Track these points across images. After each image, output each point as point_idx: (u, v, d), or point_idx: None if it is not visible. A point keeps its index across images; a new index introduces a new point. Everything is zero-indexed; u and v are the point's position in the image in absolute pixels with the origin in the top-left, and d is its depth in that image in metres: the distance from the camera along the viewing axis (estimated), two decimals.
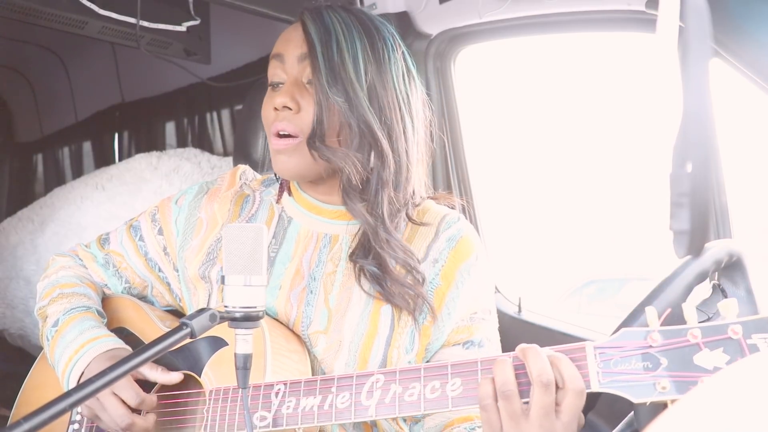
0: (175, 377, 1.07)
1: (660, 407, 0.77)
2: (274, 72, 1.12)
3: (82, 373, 1.07)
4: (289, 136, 1.08)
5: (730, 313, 0.76)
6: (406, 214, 1.15)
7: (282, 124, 1.08)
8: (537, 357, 0.81)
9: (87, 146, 3.27)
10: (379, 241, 1.08)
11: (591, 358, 0.81)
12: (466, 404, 0.85)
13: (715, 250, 0.87)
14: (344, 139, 1.07)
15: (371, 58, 1.09)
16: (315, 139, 1.06)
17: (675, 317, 0.80)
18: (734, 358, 0.74)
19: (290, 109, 1.08)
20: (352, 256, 1.10)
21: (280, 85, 1.11)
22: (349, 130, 1.06)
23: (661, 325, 0.79)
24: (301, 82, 1.09)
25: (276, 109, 1.09)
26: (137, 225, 1.27)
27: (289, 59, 1.10)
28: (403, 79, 1.13)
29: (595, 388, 0.80)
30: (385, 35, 1.13)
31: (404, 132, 1.11)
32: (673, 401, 0.76)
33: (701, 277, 0.88)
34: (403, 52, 1.14)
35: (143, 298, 1.29)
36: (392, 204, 1.11)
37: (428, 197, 1.22)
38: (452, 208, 1.23)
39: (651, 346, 0.78)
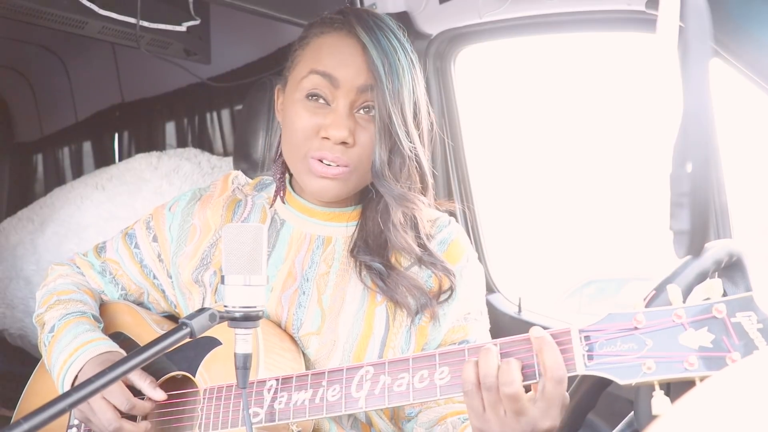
0: (160, 395, 1.06)
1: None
2: (319, 88, 1.05)
3: (76, 376, 1.08)
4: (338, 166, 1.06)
5: (714, 293, 0.77)
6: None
7: (334, 156, 1.05)
8: (486, 358, 0.82)
9: (87, 146, 3.26)
10: (427, 266, 1.11)
11: (576, 341, 0.81)
12: (454, 392, 0.86)
13: (715, 250, 0.87)
14: (403, 177, 1.08)
15: (418, 90, 1.10)
16: (383, 179, 1.06)
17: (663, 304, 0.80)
18: (719, 337, 0.74)
19: (347, 143, 1.05)
20: (353, 252, 1.11)
21: (322, 101, 1.06)
22: (405, 169, 1.08)
23: (646, 307, 0.80)
24: (353, 114, 1.06)
25: (326, 138, 1.04)
26: (132, 233, 1.27)
27: (346, 86, 1.04)
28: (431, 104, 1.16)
29: (581, 371, 0.80)
30: (416, 59, 1.12)
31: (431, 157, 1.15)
32: (658, 381, 0.76)
33: (701, 277, 0.88)
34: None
35: (140, 304, 1.29)
36: (425, 226, 1.14)
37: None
38: (452, 213, 1.24)
39: (636, 328, 0.78)
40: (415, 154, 1.08)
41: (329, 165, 1.05)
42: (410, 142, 1.06)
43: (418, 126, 1.09)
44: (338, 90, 1.04)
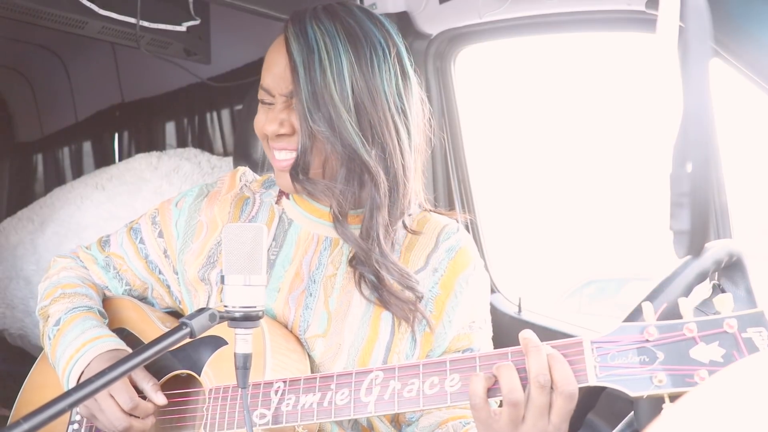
0: (161, 400, 1.05)
1: (659, 408, 0.77)
2: (263, 95, 1.10)
3: (82, 372, 1.07)
4: (288, 156, 1.08)
5: (725, 308, 0.77)
6: (403, 224, 1.14)
7: (280, 145, 1.08)
8: (538, 356, 0.82)
9: (87, 146, 3.27)
10: (372, 263, 1.07)
11: (588, 352, 0.81)
12: (464, 399, 0.85)
13: (715, 250, 0.87)
14: (331, 166, 1.06)
15: (358, 73, 1.03)
16: (297, 170, 1.05)
17: (673, 316, 0.80)
18: (730, 352, 0.75)
19: (282, 134, 1.07)
20: (352, 262, 1.10)
21: (271, 104, 1.10)
22: (335, 158, 1.04)
23: (658, 319, 0.80)
24: (291, 106, 1.07)
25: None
26: (137, 228, 1.27)
27: (276, 94, 1.07)
28: (397, 86, 1.07)
29: (593, 382, 0.80)
30: (375, 40, 1.06)
31: (399, 143, 1.07)
32: (669, 395, 0.76)
33: (701, 277, 0.88)
34: (397, 53, 1.08)
35: (144, 299, 1.29)
36: (387, 224, 1.08)
37: (430, 209, 1.21)
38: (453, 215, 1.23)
39: (647, 341, 0.78)
40: (348, 146, 1.02)
41: (281, 159, 1.09)
42: (331, 130, 1.02)
43: (359, 112, 1.03)
44: (274, 97, 1.08)
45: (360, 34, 1.05)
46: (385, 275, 1.07)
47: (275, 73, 1.07)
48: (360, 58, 1.04)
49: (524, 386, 0.82)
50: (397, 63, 1.08)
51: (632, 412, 0.92)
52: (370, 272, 1.07)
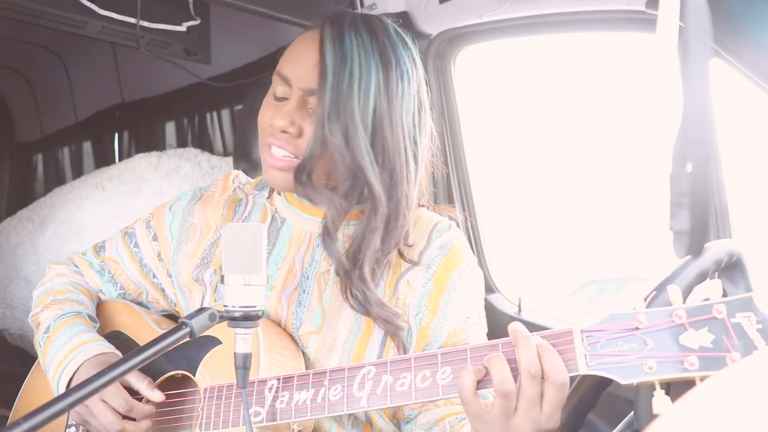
0: (158, 396, 1.05)
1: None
2: (278, 88, 1.07)
3: (71, 378, 1.07)
4: (285, 156, 1.06)
5: (714, 294, 0.77)
6: (399, 253, 1.11)
7: (280, 143, 1.05)
8: (528, 347, 0.82)
9: (87, 146, 3.26)
10: (350, 287, 1.05)
11: (578, 341, 0.81)
12: (457, 392, 0.85)
13: (715, 250, 0.87)
14: (335, 178, 1.04)
15: (384, 95, 1.02)
16: (303, 173, 1.03)
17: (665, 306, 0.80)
18: (719, 337, 0.75)
19: (288, 132, 1.05)
20: (338, 272, 1.07)
21: (284, 100, 1.07)
22: (341, 171, 1.03)
23: (647, 307, 0.80)
24: (305, 107, 1.05)
25: (272, 126, 1.06)
26: (132, 232, 1.27)
27: (295, 85, 1.05)
28: (414, 116, 1.07)
29: (583, 370, 0.80)
30: (404, 67, 1.05)
31: (407, 173, 1.06)
32: (659, 381, 0.76)
33: (701, 277, 0.88)
34: (419, 85, 1.08)
35: (139, 304, 1.29)
36: (377, 252, 1.06)
37: (421, 205, 1.21)
38: (455, 220, 1.23)
39: (637, 328, 0.79)
40: (357, 163, 1.01)
41: (277, 156, 1.06)
42: (345, 143, 1.00)
43: (375, 133, 1.02)
44: (291, 89, 1.06)
45: (392, 58, 1.04)
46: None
47: (300, 67, 1.04)
48: (389, 81, 1.03)
49: (515, 377, 0.82)
50: (416, 94, 1.08)
51: (632, 412, 0.92)
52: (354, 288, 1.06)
